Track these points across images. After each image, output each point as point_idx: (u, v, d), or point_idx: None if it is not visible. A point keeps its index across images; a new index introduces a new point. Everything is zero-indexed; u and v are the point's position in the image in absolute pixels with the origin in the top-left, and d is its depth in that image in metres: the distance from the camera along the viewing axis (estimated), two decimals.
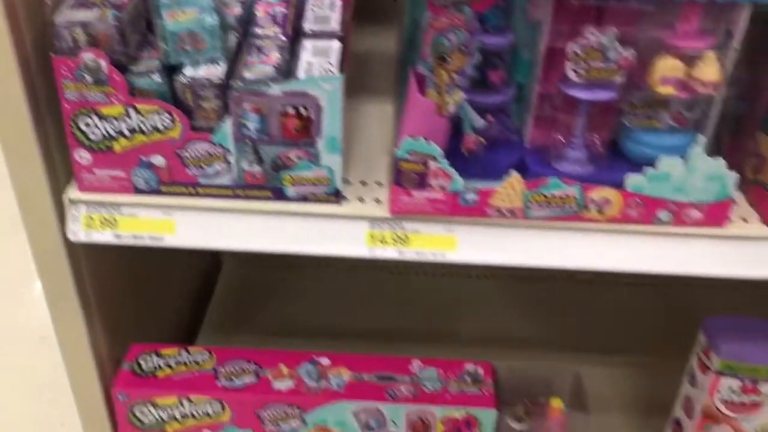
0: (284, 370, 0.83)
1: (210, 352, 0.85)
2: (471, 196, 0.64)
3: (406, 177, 0.64)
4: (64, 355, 0.79)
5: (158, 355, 0.84)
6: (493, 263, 0.67)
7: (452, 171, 0.63)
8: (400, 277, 1.29)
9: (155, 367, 0.82)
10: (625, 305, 1.24)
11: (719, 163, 0.63)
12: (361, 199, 0.68)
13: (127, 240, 0.67)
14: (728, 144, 0.68)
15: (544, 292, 1.26)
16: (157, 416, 0.82)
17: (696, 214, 0.65)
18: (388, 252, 0.67)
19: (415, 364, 0.85)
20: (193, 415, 0.82)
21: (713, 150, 0.64)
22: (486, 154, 0.67)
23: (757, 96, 0.67)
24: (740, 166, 0.70)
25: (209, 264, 1.28)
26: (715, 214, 0.65)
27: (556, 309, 1.23)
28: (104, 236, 0.66)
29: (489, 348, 1.04)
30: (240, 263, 1.31)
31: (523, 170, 0.65)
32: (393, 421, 0.82)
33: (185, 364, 0.83)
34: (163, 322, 1.07)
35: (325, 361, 0.85)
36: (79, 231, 0.66)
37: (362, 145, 0.76)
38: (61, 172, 0.67)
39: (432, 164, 0.63)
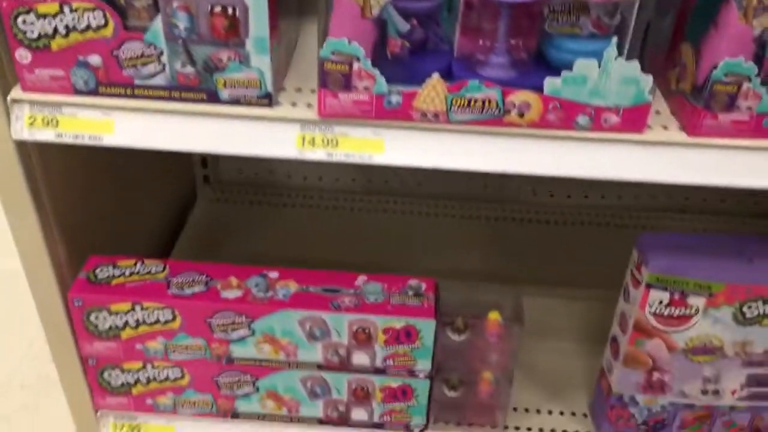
0: (233, 281, 0.86)
1: (165, 265, 0.88)
2: (395, 98, 0.67)
3: (331, 78, 0.66)
4: (23, 261, 0.83)
5: (115, 266, 0.88)
6: (418, 165, 0.70)
7: (375, 72, 0.65)
8: (368, 215, 1.32)
9: (110, 276, 0.86)
10: (578, 244, 1.27)
11: (634, 66, 0.64)
12: (293, 104, 0.70)
13: (68, 139, 0.70)
14: (654, 56, 0.70)
15: (500, 232, 1.30)
16: (112, 322, 0.85)
17: (613, 118, 0.67)
18: (318, 154, 0.70)
19: (360, 279, 0.88)
20: (145, 322, 0.85)
21: (640, 63, 0.66)
22: (414, 61, 0.70)
23: (678, 4, 0.69)
24: (667, 78, 0.73)
25: (184, 196, 1.32)
26: (633, 119, 0.67)
27: (509, 247, 1.26)
28: (46, 135, 0.70)
29: (441, 280, 1.08)
30: (214, 198, 1.34)
31: (450, 78, 0.67)
32: (336, 330, 0.85)
33: (138, 273, 0.87)
34: (132, 249, 1.10)
35: (273, 274, 0.88)
36: (23, 130, 0.69)
37: (303, 58, 0.78)
38: (9, 73, 0.70)
39: (356, 65, 0.65)
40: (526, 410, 0.97)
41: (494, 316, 0.85)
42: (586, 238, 1.30)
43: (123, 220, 1.06)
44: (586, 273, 1.18)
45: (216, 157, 1.35)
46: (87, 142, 0.70)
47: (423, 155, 0.70)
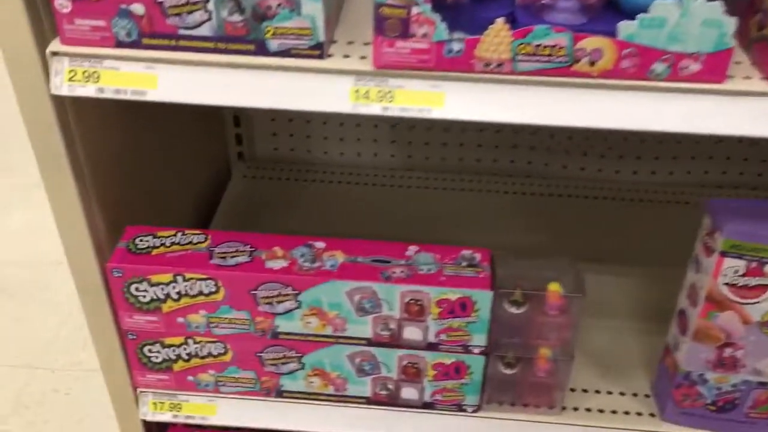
0: (278, 251, 0.82)
1: (206, 235, 0.84)
2: (456, 46, 0.62)
3: (388, 24, 0.62)
4: (59, 228, 0.80)
5: (155, 236, 0.84)
6: (479, 120, 0.65)
7: (435, 17, 0.61)
8: (408, 191, 1.28)
9: (150, 246, 0.83)
10: (627, 220, 1.22)
11: (715, 6, 0.59)
12: (346, 56, 0.66)
13: (110, 94, 0.66)
14: (733, 7, 0.65)
15: (546, 208, 1.25)
16: (153, 294, 0.82)
17: (693, 66, 0.62)
18: (372, 108, 0.66)
19: (411, 249, 0.84)
20: (187, 294, 0.82)
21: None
22: (476, 7, 0.65)
23: None
24: (747, 28, 0.67)
25: (217, 174, 1.29)
26: (714, 66, 0.62)
27: (556, 223, 1.21)
28: (87, 90, 0.66)
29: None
30: (249, 175, 1.31)
31: (514, 26, 0.63)
32: (387, 302, 0.81)
33: (180, 243, 0.83)
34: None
35: (320, 244, 0.84)
36: (62, 85, 0.66)
37: (353, 11, 0.74)
38: (47, 25, 0.66)
39: (414, 10, 0.61)
40: (585, 390, 0.92)
41: (554, 287, 0.80)
42: (634, 215, 1.24)
43: (158, 197, 1.02)
44: (637, 250, 1.13)
45: (251, 134, 1.32)
46: (129, 97, 0.66)
47: (485, 109, 0.65)
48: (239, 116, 1.30)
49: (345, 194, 1.28)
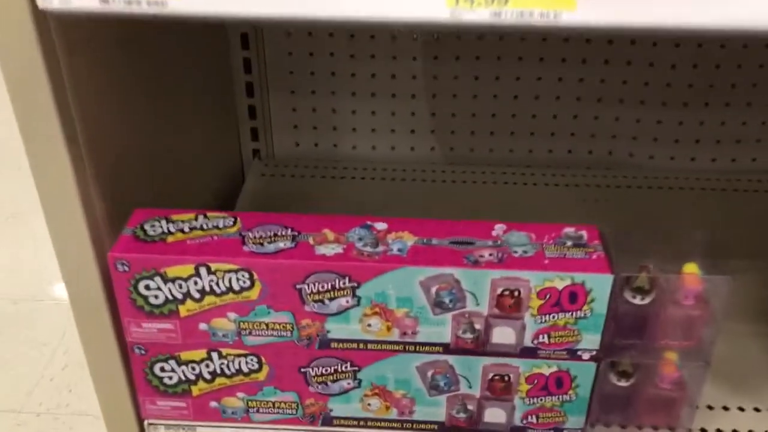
0: (329, 235, 0.64)
1: (235, 217, 0.66)
2: None
3: None
4: (46, 209, 0.61)
5: (169, 220, 0.66)
6: (620, 25, 0.48)
7: None
8: (452, 187, 1.10)
9: (164, 232, 0.64)
10: (740, 212, 1.05)
11: None
12: None
13: (118, 6, 0.48)
14: None
15: (613, 201, 1.08)
16: (168, 293, 0.63)
17: None
18: (479, 14, 0.48)
19: (498, 228, 0.66)
20: (213, 291, 0.63)
21: None
22: None
23: None
24: None
25: (233, 172, 1.11)
26: None
27: (626, 217, 1.04)
28: (87, 2, 0.48)
29: None
30: (268, 174, 1.13)
31: None
32: (472, 294, 0.62)
33: (202, 228, 0.65)
34: None
35: (381, 225, 0.66)
36: None
37: None
38: None
39: None
40: (710, 408, 0.74)
41: (691, 268, 0.62)
42: (735, 206, 1.07)
43: (164, 194, 0.84)
44: (745, 243, 0.96)
45: (269, 128, 1.14)
46: (144, 10, 0.48)
47: (632, 9, 0.48)
48: (255, 106, 1.12)
49: (378, 193, 1.10)
